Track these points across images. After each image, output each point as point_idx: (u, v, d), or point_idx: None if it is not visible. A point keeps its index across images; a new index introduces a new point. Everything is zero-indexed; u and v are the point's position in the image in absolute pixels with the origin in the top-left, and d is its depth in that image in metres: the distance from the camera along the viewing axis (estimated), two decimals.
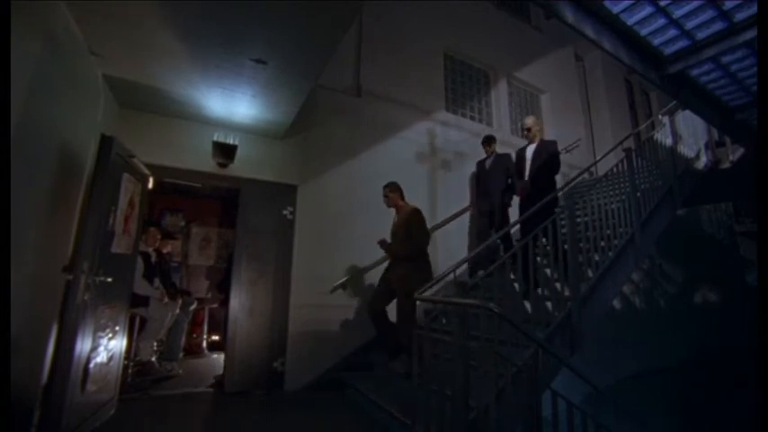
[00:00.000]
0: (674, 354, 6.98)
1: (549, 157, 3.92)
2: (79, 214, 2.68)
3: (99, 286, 2.49)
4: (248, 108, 3.36)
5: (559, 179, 3.97)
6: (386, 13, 4.96)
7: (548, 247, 3.10)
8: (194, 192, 5.31)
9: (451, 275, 3.01)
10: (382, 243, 3.44)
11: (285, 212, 3.94)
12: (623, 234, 3.51)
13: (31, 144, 2.02)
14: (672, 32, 2.97)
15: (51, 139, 2.29)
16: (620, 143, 5.25)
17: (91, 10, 2.18)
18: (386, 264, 3.63)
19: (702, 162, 5.05)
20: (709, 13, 2.75)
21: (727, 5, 2.66)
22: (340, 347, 3.86)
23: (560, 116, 6.79)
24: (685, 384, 6.27)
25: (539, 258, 3.21)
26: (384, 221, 3.70)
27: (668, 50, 3.18)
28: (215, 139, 3.62)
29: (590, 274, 3.18)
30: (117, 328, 2.89)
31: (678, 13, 2.77)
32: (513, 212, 4.36)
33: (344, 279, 4.00)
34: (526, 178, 4.02)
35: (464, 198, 5.14)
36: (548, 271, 3.24)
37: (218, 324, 5.12)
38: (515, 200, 4.30)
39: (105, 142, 2.55)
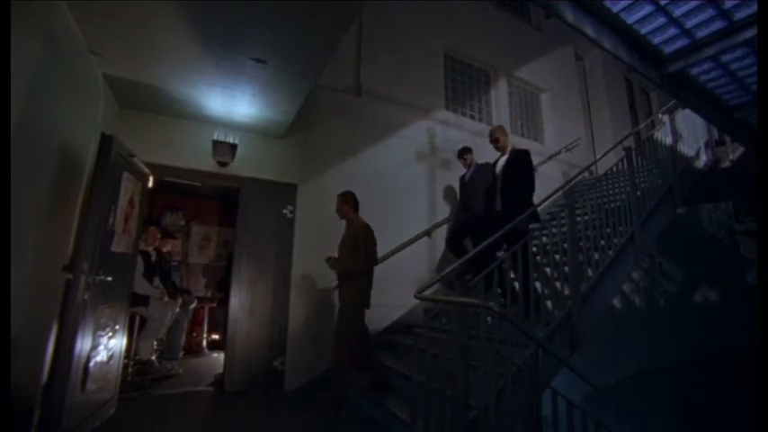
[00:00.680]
0: (674, 353, 6.98)
1: (519, 170, 3.46)
2: (79, 214, 2.69)
3: (99, 285, 2.49)
4: (248, 107, 3.36)
5: (539, 189, 3.49)
6: (386, 13, 4.95)
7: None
8: (194, 191, 5.31)
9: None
10: (328, 260, 3.19)
11: (285, 212, 3.93)
12: (623, 233, 3.51)
13: (31, 144, 2.02)
14: (672, 31, 2.98)
15: (51, 138, 2.29)
16: (620, 142, 5.26)
17: (91, 10, 2.19)
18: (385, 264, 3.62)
19: (702, 161, 5.06)
20: (708, 12, 2.75)
21: (727, 4, 2.66)
22: None
23: (560, 115, 6.79)
24: (685, 384, 6.26)
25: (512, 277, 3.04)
26: (384, 220, 3.70)
27: (668, 49, 3.18)
28: (215, 138, 3.62)
29: (590, 273, 3.18)
30: (117, 327, 2.89)
31: (678, 11, 2.78)
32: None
33: None
34: (497, 194, 3.56)
35: None
36: (538, 285, 3.04)
37: (218, 323, 5.12)
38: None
39: (105, 141, 2.55)
